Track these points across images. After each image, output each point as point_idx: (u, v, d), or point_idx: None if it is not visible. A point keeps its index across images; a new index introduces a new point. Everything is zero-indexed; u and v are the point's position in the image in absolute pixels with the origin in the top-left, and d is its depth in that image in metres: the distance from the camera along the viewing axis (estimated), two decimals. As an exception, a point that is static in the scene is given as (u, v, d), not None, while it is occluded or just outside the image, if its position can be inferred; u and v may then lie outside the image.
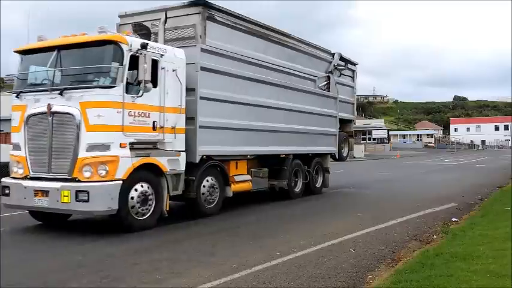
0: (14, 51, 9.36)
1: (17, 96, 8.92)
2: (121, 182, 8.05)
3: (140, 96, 8.42)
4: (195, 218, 9.87)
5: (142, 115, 8.58)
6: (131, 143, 8.37)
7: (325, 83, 15.51)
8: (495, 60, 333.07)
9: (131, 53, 8.34)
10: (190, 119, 9.67)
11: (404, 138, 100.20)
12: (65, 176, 8.10)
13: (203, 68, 9.97)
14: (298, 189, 13.76)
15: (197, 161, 9.79)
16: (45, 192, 8.13)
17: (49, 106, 8.26)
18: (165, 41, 10.30)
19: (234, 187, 10.97)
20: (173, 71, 9.21)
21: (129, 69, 8.34)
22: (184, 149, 9.48)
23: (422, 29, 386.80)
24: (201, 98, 9.91)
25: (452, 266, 5.82)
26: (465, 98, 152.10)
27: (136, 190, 8.38)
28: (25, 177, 8.57)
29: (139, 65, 8.26)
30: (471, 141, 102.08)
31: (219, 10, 10.78)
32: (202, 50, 10.06)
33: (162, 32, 10.48)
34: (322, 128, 14.88)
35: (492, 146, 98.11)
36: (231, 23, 11.25)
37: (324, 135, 15.17)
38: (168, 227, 8.95)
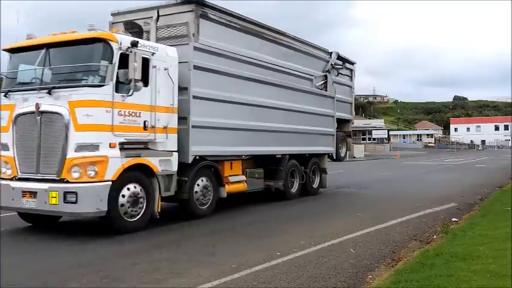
0: (3, 50, 9.21)
1: (5, 96, 8.75)
2: (110, 182, 7.88)
3: (130, 95, 8.25)
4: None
5: (133, 114, 8.41)
6: (121, 143, 8.19)
7: (322, 82, 15.34)
8: (495, 60, 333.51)
9: (121, 51, 8.18)
10: (182, 119, 9.48)
11: (404, 138, 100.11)
12: (54, 176, 7.94)
13: (196, 67, 9.78)
14: (294, 190, 13.56)
15: (190, 162, 9.60)
16: (33, 194, 7.99)
17: (37, 105, 8.11)
18: (158, 40, 10.14)
19: (229, 188, 10.78)
20: (165, 69, 9.04)
21: (119, 68, 8.17)
22: (176, 149, 9.29)
23: (422, 28, 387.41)
24: (194, 97, 9.72)
25: (452, 266, 5.81)
26: (465, 98, 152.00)
27: (126, 191, 8.21)
28: (13, 178, 8.41)
29: (130, 63, 8.09)
30: (471, 141, 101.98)
31: (213, 8, 10.61)
32: (195, 48, 9.88)
33: (154, 30, 10.32)
34: (319, 127, 14.68)
35: (492, 146, 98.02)
36: (225, 21, 11.08)
37: (321, 135, 14.97)
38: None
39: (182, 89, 9.50)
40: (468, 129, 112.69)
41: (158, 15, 10.32)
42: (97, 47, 8.22)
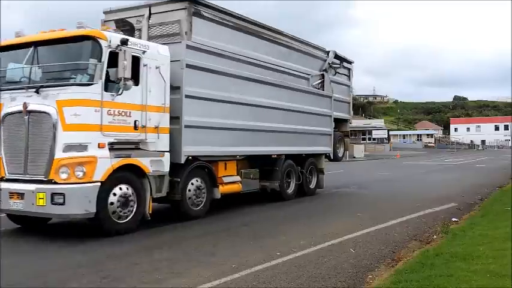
0: (-10, 48, 9.01)
1: (-7, 95, 8.56)
2: (99, 183, 7.69)
3: (120, 94, 8.07)
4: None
5: (123, 114, 8.22)
6: (111, 143, 8.01)
7: (319, 81, 15.15)
8: (495, 60, 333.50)
9: (110, 49, 7.99)
10: (175, 118, 9.28)
11: (404, 138, 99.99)
12: (41, 177, 7.75)
13: (189, 66, 9.58)
14: (290, 190, 13.36)
15: (182, 162, 9.40)
16: (20, 195, 7.80)
17: (25, 105, 7.94)
18: (150, 38, 9.96)
19: (223, 189, 10.58)
20: (156, 68, 8.84)
21: (108, 66, 7.98)
22: (168, 150, 9.09)
23: (422, 29, 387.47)
24: (187, 96, 9.52)
25: (452, 266, 5.81)
26: (465, 98, 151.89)
27: (116, 192, 8.03)
28: (1, 179, 8.22)
29: (119, 62, 7.89)
30: (471, 141, 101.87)
31: (206, 6, 10.44)
32: (188, 46, 9.68)
33: (146, 28, 10.15)
34: (316, 127, 14.47)
35: (492, 146, 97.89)
36: (219, 19, 10.90)
37: (318, 135, 14.76)
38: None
39: (174, 88, 9.31)
40: (468, 129, 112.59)
41: (150, 13, 10.15)
42: (85, 44, 8.03)
